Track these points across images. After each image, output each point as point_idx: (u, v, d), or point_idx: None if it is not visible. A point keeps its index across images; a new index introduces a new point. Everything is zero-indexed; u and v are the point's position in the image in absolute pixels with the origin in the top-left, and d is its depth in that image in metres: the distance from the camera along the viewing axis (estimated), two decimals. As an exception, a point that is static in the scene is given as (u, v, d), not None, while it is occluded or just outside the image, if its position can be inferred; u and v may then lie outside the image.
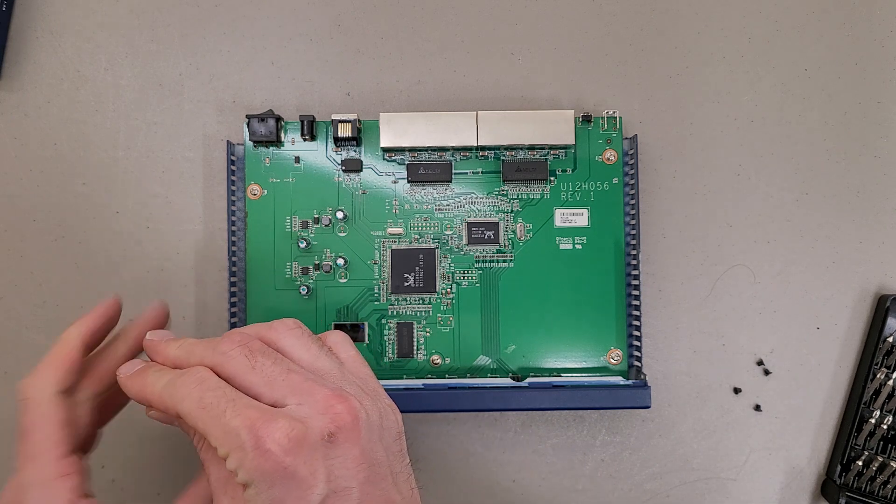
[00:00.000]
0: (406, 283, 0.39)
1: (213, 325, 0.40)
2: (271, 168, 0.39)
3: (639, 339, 0.38)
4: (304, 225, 0.39)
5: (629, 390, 0.37)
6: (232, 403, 0.25)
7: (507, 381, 0.38)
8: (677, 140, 0.42)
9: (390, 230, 0.39)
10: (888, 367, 0.40)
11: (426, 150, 0.39)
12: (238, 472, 0.24)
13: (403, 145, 0.39)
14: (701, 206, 0.41)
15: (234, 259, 0.39)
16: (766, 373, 0.41)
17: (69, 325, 0.30)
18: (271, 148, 0.39)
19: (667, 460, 0.41)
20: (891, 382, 0.39)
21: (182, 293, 0.40)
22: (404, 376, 0.39)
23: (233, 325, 0.38)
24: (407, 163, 0.39)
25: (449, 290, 0.39)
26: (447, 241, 0.40)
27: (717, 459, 0.41)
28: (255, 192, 0.39)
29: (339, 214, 0.39)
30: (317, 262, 0.39)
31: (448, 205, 0.40)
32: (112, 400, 0.31)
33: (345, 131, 0.38)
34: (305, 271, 0.39)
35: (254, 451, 0.24)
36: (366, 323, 0.39)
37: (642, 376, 0.38)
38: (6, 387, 0.40)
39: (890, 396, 0.40)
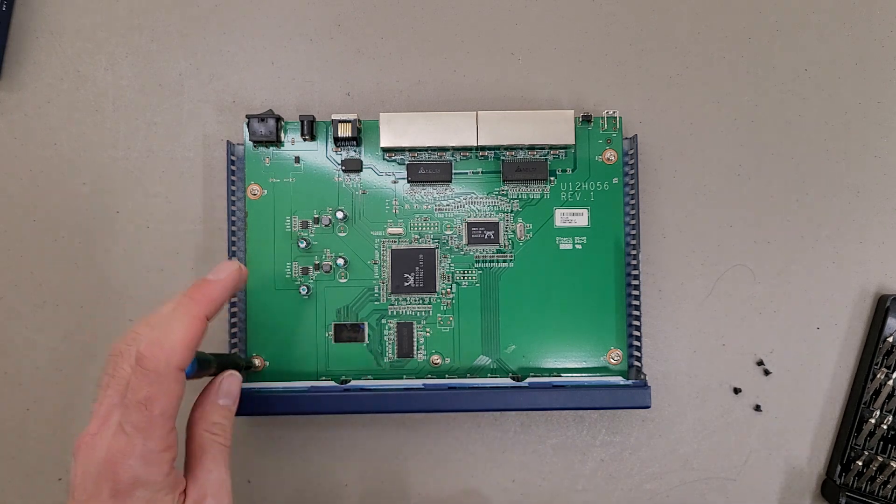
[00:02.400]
0: (406, 283, 0.39)
1: (214, 324, 0.40)
2: (271, 168, 0.39)
3: (639, 339, 0.38)
4: (304, 225, 0.39)
5: (629, 390, 0.37)
6: None
7: (507, 381, 0.38)
8: (677, 140, 0.42)
9: (390, 230, 0.39)
10: (888, 367, 0.40)
11: (426, 150, 0.39)
12: None
13: (403, 145, 0.39)
14: (701, 206, 0.41)
15: (233, 259, 0.39)
16: (766, 373, 0.41)
17: (194, 306, 0.29)
18: (271, 148, 0.39)
19: (667, 460, 0.41)
20: (891, 382, 0.39)
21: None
22: (404, 376, 0.39)
23: (233, 325, 0.38)
24: (407, 163, 0.39)
25: (449, 290, 0.39)
26: (447, 241, 0.40)
27: (717, 459, 0.41)
28: (255, 192, 0.39)
29: (339, 214, 0.39)
30: (317, 262, 0.39)
31: (448, 205, 0.40)
32: None
33: (345, 131, 0.38)
34: (305, 271, 0.39)
35: None
36: (366, 323, 0.39)
37: (642, 376, 0.38)
38: (6, 386, 0.40)
39: (890, 396, 0.40)
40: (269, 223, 0.39)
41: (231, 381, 0.32)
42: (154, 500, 0.28)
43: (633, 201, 0.39)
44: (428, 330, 0.39)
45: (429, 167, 0.39)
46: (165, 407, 0.27)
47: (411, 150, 0.39)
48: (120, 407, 0.28)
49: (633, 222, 0.39)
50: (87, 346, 0.40)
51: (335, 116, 0.38)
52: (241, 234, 0.39)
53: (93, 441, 0.28)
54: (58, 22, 0.41)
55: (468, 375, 0.39)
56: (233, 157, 0.39)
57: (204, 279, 0.31)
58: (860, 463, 0.40)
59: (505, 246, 0.39)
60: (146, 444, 0.27)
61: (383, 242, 0.39)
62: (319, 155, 0.40)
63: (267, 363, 0.39)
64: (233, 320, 0.38)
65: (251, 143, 0.39)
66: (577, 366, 0.39)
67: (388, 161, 0.40)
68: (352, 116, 0.38)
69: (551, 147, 0.39)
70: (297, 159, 0.39)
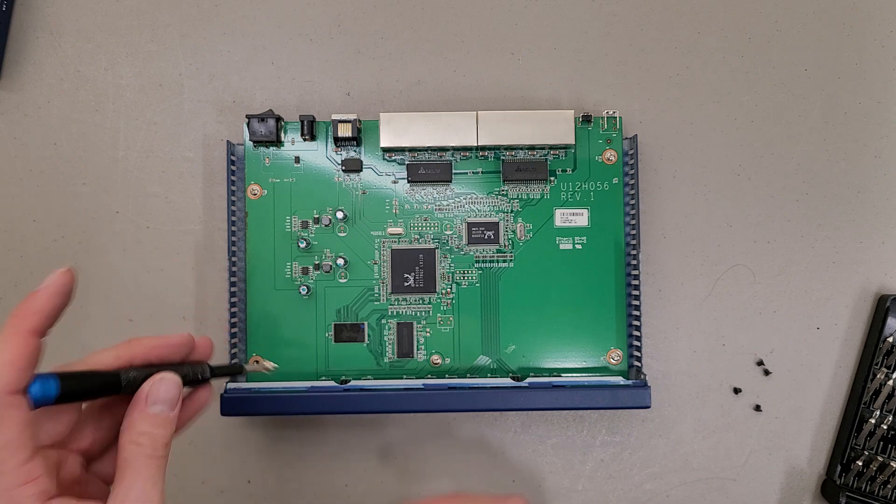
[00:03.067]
0: (406, 283, 0.39)
1: (214, 324, 0.40)
2: (271, 168, 0.39)
3: (639, 339, 0.38)
4: (304, 225, 0.39)
5: (629, 390, 0.37)
6: None
7: (507, 381, 0.38)
8: (677, 140, 0.42)
9: (390, 230, 0.39)
10: (888, 367, 0.40)
11: (426, 150, 0.39)
12: None
13: (403, 145, 0.39)
14: (701, 206, 0.41)
15: (234, 259, 0.39)
16: (766, 373, 0.41)
17: (19, 323, 0.27)
18: (271, 148, 0.39)
19: (667, 460, 0.41)
20: (891, 382, 0.39)
21: (182, 293, 0.40)
22: (404, 376, 0.39)
23: (233, 325, 0.38)
24: (407, 163, 0.39)
25: (449, 290, 0.39)
26: (447, 241, 0.39)
27: (717, 459, 0.41)
28: (255, 192, 0.39)
29: (339, 214, 0.39)
30: (317, 262, 0.39)
31: (448, 205, 0.40)
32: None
33: (345, 131, 0.38)
34: (305, 271, 0.39)
35: None
36: (366, 323, 0.39)
37: (642, 376, 0.38)
38: (6, 387, 0.40)
39: (890, 396, 0.40)
40: (269, 223, 0.39)
41: (162, 385, 0.28)
42: None
43: (633, 201, 0.39)
44: (428, 330, 0.39)
45: (429, 167, 0.39)
46: (9, 437, 0.24)
47: (411, 150, 0.39)
48: None
49: (633, 222, 0.39)
50: (87, 346, 0.40)
51: (335, 116, 0.38)
52: (241, 234, 0.39)
53: None
54: (58, 22, 0.41)
55: (468, 375, 0.39)
56: (233, 157, 0.39)
57: (30, 293, 0.28)
58: (860, 463, 0.40)
59: (505, 246, 0.39)
60: (2, 483, 0.24)
61: (383, 242, 0.39)
62: (319, 155, 0.39)
63: (277, 365, 0.39)
64: (233, 320, 0.38)
65: (251, 143, 0.39)
66: (577, 366, 0.39)
67: (388, 161, 0.40)
68: (352, 116, 0.38)
69: (551, 147, 0.39)
70: (297, 159, 0.39)
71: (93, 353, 0.28)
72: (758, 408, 0.41)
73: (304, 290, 0.39)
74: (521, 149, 0.40)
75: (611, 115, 0.40)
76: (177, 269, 0.40)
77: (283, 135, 0.39)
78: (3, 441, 0.24)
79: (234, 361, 0.36)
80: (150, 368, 0.28)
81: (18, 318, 0.27)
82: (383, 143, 0.39)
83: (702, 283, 0.41)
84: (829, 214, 0.42)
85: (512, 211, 0.40)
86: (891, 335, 0.40)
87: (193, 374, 0.29)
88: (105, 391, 0.27)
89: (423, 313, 0.39)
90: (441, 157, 0.40)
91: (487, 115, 0.39)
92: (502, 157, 0.40)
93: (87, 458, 0.28)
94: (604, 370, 0.39)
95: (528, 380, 0.38)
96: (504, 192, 0.40)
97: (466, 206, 0.40)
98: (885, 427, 0.40)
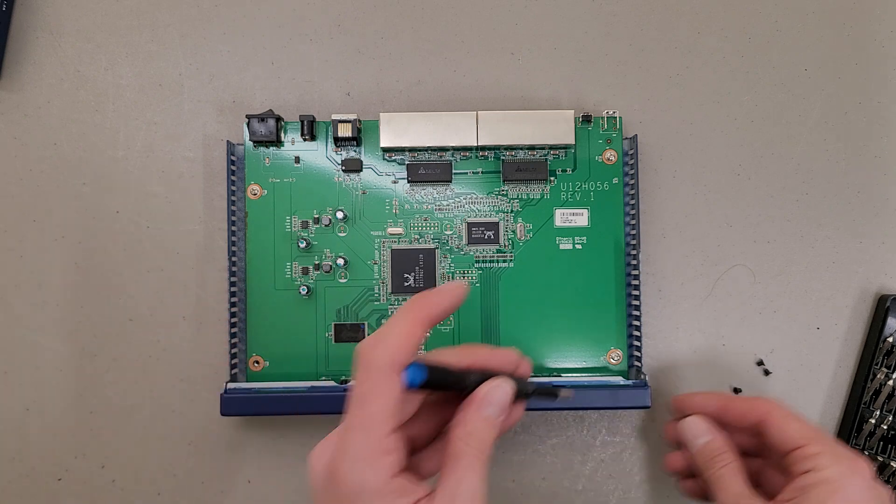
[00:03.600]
0: (406, 283, 0.39)
1: (213, 324, 0.40)
2: (271, 168, 0.39)
3: (639, 339, 0.38)
4: (304, 225, 0.39)
5: (629, 390, 0.37)
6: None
7: (508, 381, 0.38)
8: (677, 140, 0.42)
9: (390, 230, 0.39)
10: (888, 367, 0.40)
11: (426, 150, 0.39)
12: (827, 468, 0.31)
13: (403, 145, 0.39)
14: (701, 206, 0.41)
15: (234, 259, 0.39)
16: (766, 373, 0.41)
17: (417, 310, 0.28)
18: (271, 148, 0.39)
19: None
20: (891, 382, 0.39)
21: (182, 293, 0.40)
22: (404, 376, 0.39)
23: (233, 325, 0.38)
24: (407, 163, 0.39)
25: (449, 290, 0.39)
26: (447, 241, 0.40)
27: (717, 459, 0.41)
28: (255, 192, 0.39)
29: (339, 214, 0.39)
30: (317, 262, 0.39)
31: (448, 205, 0.40)
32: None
33: (345, 131, 0.38)
34: (305, 271, 0.39)
35: (850, 457, 0.31)
36: (366, 323, 0.39)
37: (642, 376, 0.38)
38: (6, 386, 0.40)
39: (890, 396, 0.40)
40: (269, 223, 0.39)
41: (498, 391, 0.29)
42: (382, 493, 0.26)
43: (633, 201, 0.39)
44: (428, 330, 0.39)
45: (429, 167, 0.39)
46: (382, 406, 0.26)
47: (411, 150, 0.39)
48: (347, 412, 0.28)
49: (633, 222, 0.39)
50: (87, 346, 0.40)
51: (335, 116, 0.38)
52: (241, 234, 0.39)
53: (323, 447, 0.28)
54: (58, 22, 0.41)
55: (468, 375, 0.39)
56: (233, 157, 0.39)
57: (432, 289, 0.30)
58: (860, 463, 0.40)
59: (505, 246, 0.39)
60: (363, 444, 0.26)
61: (383, 242, 0.39)
62: (319, 155, 0.40)
63: (267, 364, 0.39)
64: (233, 320, 0.38)
65: (251, 143, 0.39)
66: (577, 366, 0.39)
67: (388, 161, 0.40)
68: (352, 116, 0.38)
69: (551, 147, 0.39)
70: (297, 159, 0.39)
71: (439, 350, 0.30)
72: (758, 408, 0.41)
73: (304, 290, 0.39)
74: (521, 149, 0.40)
75: (611, 115, 0.40)
76: (177, 269, 0.40)
77: (283, 135, 0.39)
78: (378, 408, 0.26)
79: (552, 385, 0.34)
80: (486, 373, 0.29)
81: (417, 307, 0.28)
82: (383, 143, 0.39)
83: (702, 283, 0.41)
84: (829, 214, 0.42)
85: (512, 211, 0.40)
86: (891, 335, 0.40)
87: (521, 387, 0.30)
88: (452, 387, 0.29)
89: (423, 313, 0.39)
90: (441, 157, 0.40)
91: (487, 115, 0.39)
92: (502, 157, 0.40)
93: (411, 449, 0.30)
94: (604, 370, 0.39)
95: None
96: (504, 192, 0.40)
97: (466, 206, 0.40)
98: (885, 427, 0.40)
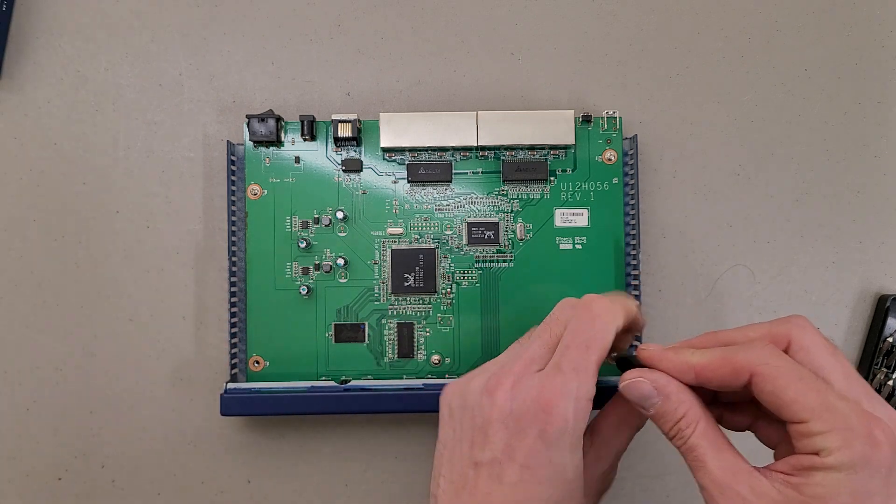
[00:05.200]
0: (406, 284, 0.39)
1: (213, 324, 0.40)
2: (271, 168, 0.39)
3: (639, 338, 0.38)
4: (304, 225, 0.39)
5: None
6: (828, 386, 0.26)
7: (508, 381, 0.38)
8: (677, 140, 0.42)
9: (390, 230, 0.39)
10: (888, 367, 0.40)
11: (426, 150, 0.39)
12: (833, 454, 0.24)
13: (403, 145, 0.39)
14: (701, 206, 0.41)
15: (234, 259, 0.39)
16: (766, 373, 0.41)
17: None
18: (271, 148, 0.39)
19: (667, 460, 0.41)
20: (891, 382, 0.39)
21: (182, 293, 0.40)
22: (404, 376, 0.39)
23: (233, 325, 0.38)
24: (407, 163, 0.39)
25: (449, 290, 0.39)
26: (447, 241, 0.40)
27: (717, 459, 0.41)
28: (255, 192, 0.39)
29: (339, 214, 0.39)
30: (317, 262, 0.39)
31: (448, 205, 0.40)
32: None
33: (345, 131, 0.38)
34: (305, 271, 0.39)
35: (866, 437, 0.24)
36: (366, 323, 0.39)
37: (642, 376, 0.38)
38: (6, 386, 0.40)
39: (890, 396, 0.40)
40: (269, 223, 0.39)
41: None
42: (575, 447, 0.27)
43: (633, 201, 0.39)
44: (428, 330, 0.39)
45: (429, 167, 0.39)
46: (600, 356, 0.28)
47: (411, 150, 0.39)
48: (550, 352, 0.29)
49: (633, 222, 0.39)
50: (87, 346, 0.40)
51: (335, 116, 0.38)
52: (241, 234, 0.39)
53: (519, 381, 0.28)
54: (58, 22, 0.41)
55: (468, 375, 0.39)
56: (233, 157, 0.39)
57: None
58: (860, 463, 0.40)
59: (505, 246, 0.39)
60: (581, 388, 0.27)
61: (383, 242, 0.39)
62: (319, 155, 0.40)
63: (267, 364, 0.39)
64: (233, 320, 0.38)
65: (251, 143, 0.39)
66: (577, 366, 0.39)
67: (388, 161, 0.40)
68: (352, 116, 0.38)
69: (551, 147, 0.39)
70: (298, 159, 0.39)
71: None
72: (758, 408, 0.41)
73: (304, 290, 0.39)
74: (521, 149, 0.40)
75: (611, 115, 0.40)
76: (177, 269, 0.40)
77: (283, 135, 0.39)
78: (599, 357, 0.28)
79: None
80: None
81: (622, 298, 0.30)
82: (383, 143, 0.39)
83: (702, 283, 0.41)
84: (829, 214, 0.42)
85: (512, 211, 0.40)
86: (891, 335, 0.40)
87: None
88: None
89: (423, 313, 0.39)
90: (441, 157, 0.40)
91: (487, 115, 0.39)
92: (502, 157, 0.40)
93: None
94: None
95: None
96: (504, 192, 0.40)
97: (466, 206, 0.40)
98: (885, 427, 0.40)
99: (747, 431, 0.31)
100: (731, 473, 0.26)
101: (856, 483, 0.24)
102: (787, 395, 0.25)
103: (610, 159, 0.40)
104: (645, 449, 0.41)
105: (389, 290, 0.39)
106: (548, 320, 0.30)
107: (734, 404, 0.30)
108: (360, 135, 0.39)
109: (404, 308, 0.39)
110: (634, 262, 0.39)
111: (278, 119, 0.39)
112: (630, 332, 0.32)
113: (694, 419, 0.27)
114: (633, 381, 0.28)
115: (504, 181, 0.39)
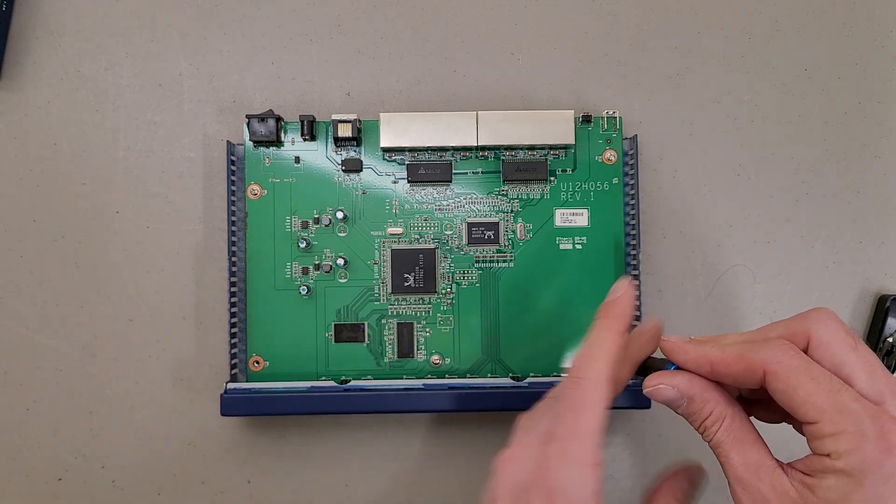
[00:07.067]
0: (406, 284, 0.39)
1: (213, 324, 0.40)
2: (271, 168, 0.39)
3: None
4: (304, 225, 0.39)
5: (629, 390, 0.37)
6: (842, 385, 0.25)
7: (507, 381, 0.38)
8: (677, 140, 0.42)
9: (390, 230, 0.39)
10: (888, 368, 0.40)
11: (426, 150, 0.39)
12: (843, 457, 0.24)
13: (403, 145, 0.39)
14: (701, 206, 0.41)
15: (234, 259, 0.39)
16: (766, 373, 0.41)
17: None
18: (271, 148, 0.39)
19: (667, 460, 0.41)
20: (891, 382, 0.39)
21: (182, 293, 0.40)
22: (404, 376, 0.39)
23: (233, 325, 0.38)
24: (407, 163, 0.39)
25: (449, 290, 0.39)
26: (447, 241, 0.40)
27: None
28: (255, 192, 0.39)
29: (339, 214, 0.39)
30: (317, 262, 0.39)
31: (448, 205, 0.40)
32: None
33: (345, 131, 0.38)
34: (305, 271, 0.39)
35: (876, 440, 0.23)
36: (366, 323, 0.39)
37: (642, 376, 0.38)
38: (6, 386, 0.40)
39: (890, 396, 0.40)
40: (269, 223, 0.39)
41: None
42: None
43: (633, 201, 0.39)
44: (428, 330, 0.39)
45: (429, 167, 0.39)
46: (598, 417, 0.27)
47: (411, 150, 0.39)
48: (550, 421, 0.28)
49: (633, 222, 0.39)
50: (87, 346, 0.40)
51: (335, 116, 0.38)
52: (241, 234, 0.39)
53: (522, 453, 0.27)
54: (58, 22, 0.41)
55: (468, 375, 0.39)
56: (233, 157, 0.39)
57: (607, 301, 0.30)
58: (860, 463, 0.40)
59: (505, 246, 0.39)
60: (582, 452, 0.26)
61: (383, 242, 0.39)
62: (319, 155, 0.40)
63: (267, 364, 0.39)
64: (233, 320, 0.38)
65: (251, 143, 0.39)
66: (577, 366, 0.39)
67: (388, 161, 0.40)
68: (352, 116, 0.38)
69: (551, 147, 0.39)
70: (297, 159, 0.39)
71: (592, 331, 0.30)
72: (758, 408, 0.41)
73: (304, 290, 0.39)
74: (521, 149, 0.40)
75: (611, 115, 0.40)
76: (177, 269, 0.40)
77: (283, 135, 0.39)
78: (595, 420, 0.27)
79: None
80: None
81: (613, 319, 0.29)
82: (383, 143, 0.39)
83: (702, 283, 0.41)
84: (829, 214, 0.42)
85: (512, 211, 0.40)
86: (891, 335, 0.40)
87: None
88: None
89: (423, 313, 0.39)
90: (441, 157, 0.40)
91: (487, 115, 0.39)
92: (502, 157, 0.40)
93: None
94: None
95: (529, 380, 0.38)
96: (504, 192, 0.40)
97: (466, 206, 0.40)
98: (885, 427, 0.39)
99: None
100: (755, 470, 0.26)
101: (866, 488, 0.23)
102: (797, 395, 0.25)
103: (610, 159, 0.40)
104: (646, 449, 0.41)
105: (389, 291, 0.39)
106: (541, 406, 0.29)
107: (765, 399, 0.29)
108: (360, 135, 0.39)
109: (404, 308, 0.39)
110: (634, 263, 0.39)
111: (278, 119, 0.39)
112: (642, 339, 0.31)
113: (719, 417, 0.28)
114: (655, 389, 0.29)
115: (504, 181, 0.39)
